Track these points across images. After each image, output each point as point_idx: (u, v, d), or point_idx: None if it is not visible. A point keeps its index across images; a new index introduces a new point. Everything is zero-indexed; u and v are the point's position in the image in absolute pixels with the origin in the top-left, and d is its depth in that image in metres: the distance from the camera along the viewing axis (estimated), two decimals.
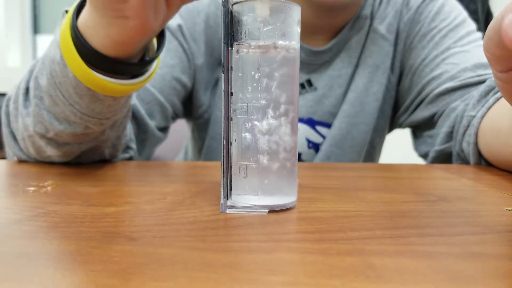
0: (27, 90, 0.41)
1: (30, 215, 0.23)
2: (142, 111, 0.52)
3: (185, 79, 0.57)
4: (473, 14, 1.96)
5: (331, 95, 0.60)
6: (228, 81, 0.23)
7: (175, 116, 0.61)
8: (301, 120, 0.60)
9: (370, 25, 0.61)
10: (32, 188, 0.31)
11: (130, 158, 0.50)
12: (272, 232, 0.20)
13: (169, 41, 0.56)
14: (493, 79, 0.48)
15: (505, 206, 0.26)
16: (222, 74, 0.23)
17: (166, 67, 0.55)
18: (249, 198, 0.24)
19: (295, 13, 0.24)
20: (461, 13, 0.60)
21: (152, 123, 0.54)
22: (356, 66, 0.60)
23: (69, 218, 0.23)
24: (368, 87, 0.60)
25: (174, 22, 0.57)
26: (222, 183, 0.24)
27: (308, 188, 0.31)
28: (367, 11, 0.60)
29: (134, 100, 0.52)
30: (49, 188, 0.31)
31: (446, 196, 0.29)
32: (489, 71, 0.52)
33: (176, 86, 0.57)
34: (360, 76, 0.60)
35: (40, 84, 0.39)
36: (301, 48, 0.58)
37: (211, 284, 0.14)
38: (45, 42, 2.49)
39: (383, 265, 0.16)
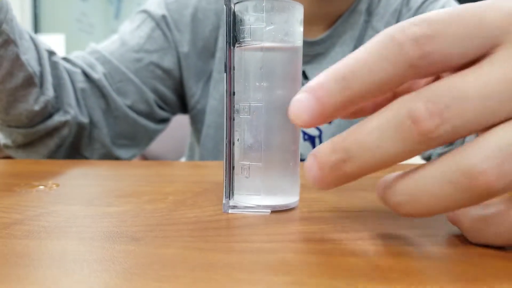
0: None
1: (32, 215, 0.23)
2: (108, 87, 0.55)
3: (168, 66, 0.60)
4: None
5: None
6: (230, 81, 0.23)
7: (166, 106, 0.62)
8: None
9: (368, 21, 0.60)
10: (34, 188, 0.31)
11: (66, 122, 0.51)
12: (274, 233, 0.20)
13: (152, 30, 0.60)
14: None
15: None
16: (225, 74, 0.23)
17: (143, 51, 0.58)
18: (251, 198, 0.24)
19: (298, 12, 0.24)
20: None
21: (122, 101, 0.56)
22: None
23: (70, 218, 0.23)
24: None
25: (159, 12, 0.60)
26: (224, 183, 0.24)
27: (311, 188, 0.31)
28: (362, 6, 0.60)
29: (100, 75, 0.55)
30: (50, 188, 0.31)
31: None
32: None
33: (156, 71, 0.59)
34: None
35: None
36: None
37: (213, 284, 0.14)
38: (45, 41, 2.49)
39: (387, 266, 0.16)
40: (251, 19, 0.23)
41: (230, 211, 0.24)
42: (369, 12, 0.61)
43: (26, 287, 0.14)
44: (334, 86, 0.17)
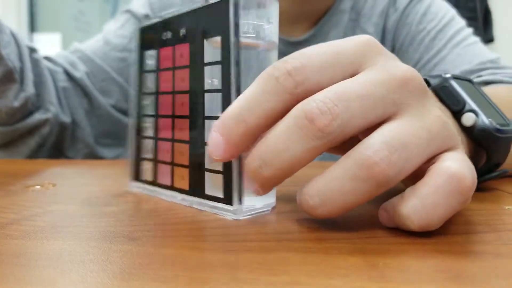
0: None
1: (28, 214, 0.23)
2: (91, 86, 0.55)
3: None
4: (472, 12, 1.96)
5: None
6: (237, 77, 0.23)
7: None
8: None
9: (356, 20, 0.60)
10: (30, 188, 0.30)
11: (47, 120, 0.50)
12: (272, 232, 0.20)
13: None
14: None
15: (505, 204, 0.26)
16: (232, 69, 0.23)
17: (127, 51, 0.59)
18: (254, 199, 0.23)
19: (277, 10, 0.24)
20: (448, 11, 0.60)
21: (105, 100, 0.57)
22: None
23: (67, 217, 0.23)
24: None
25: (142, 11, 0.61)
26: (238, 187, 0.22)
27: None
28: (346, 5, 0.60)
29: (82, 74, 0.55)
30: (47, 187, 0.31)
31: None
32: (476, 74, 0.52)
33: None
34: None
35: None
36: (279, 39, 0.59)
37: (212, 284, 0.14)
38: (42, 40, 2.48)
39: (385, 265, 0.16)
40: (252, 16, 0.23)
41: (242, 217, 0.22)
42: (356, 12, 0.60)
43: (23, 287, 0.14)
44: (232, 122, 0.19)
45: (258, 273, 0.15)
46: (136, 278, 0.15)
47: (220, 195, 0.23)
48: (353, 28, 0.60)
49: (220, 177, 0.23)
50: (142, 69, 0.29)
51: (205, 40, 0.24)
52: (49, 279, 0.15)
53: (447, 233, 0.20)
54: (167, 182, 0.26)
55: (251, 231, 0.21)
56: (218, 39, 0.23)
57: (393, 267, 0.16)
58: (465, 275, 0.15)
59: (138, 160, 0.29)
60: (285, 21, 0.60)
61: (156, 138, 0.28)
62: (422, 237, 0.19)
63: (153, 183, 0.28)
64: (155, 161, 0.28)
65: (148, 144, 0.28)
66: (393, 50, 0.60)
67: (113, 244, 0.18)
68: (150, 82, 0.28)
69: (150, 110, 0.28)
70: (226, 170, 0.23)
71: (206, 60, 0.24)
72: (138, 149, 0.29)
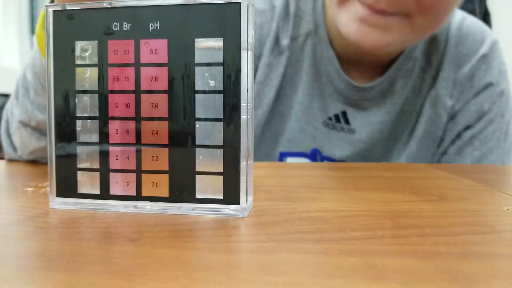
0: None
1: (29, 215, 0.23)
2: None
3: None
4: (471, 13, 1.96)
5: (368, 141, 0.58)
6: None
7: None
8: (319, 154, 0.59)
9: (422, 68, 0.58)
10: (31, 189, 0.30)
11: None
12: (272, 232, 0.20)
13: None
14: None
15: (505, 205, 0.26)
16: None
17: None
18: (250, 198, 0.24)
19: None
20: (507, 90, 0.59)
21: None
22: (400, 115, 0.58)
23: (68, 218, 0.23)
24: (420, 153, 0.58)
25: None
26: (244, 186, 0.23)
27: (308, 188, 0.31)
28: (417, 52, 0.58)
29: None
30: (48, 188, 0.31)
31: (446, 195, 0.29)
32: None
33: None
34: (414, 140, 0.58)
35: (26, 76, 0.41)
36: (342, 79, 0.57)
37: (212, 284, 0.14)
38: None
39: (384, 265, 0.16)
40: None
41: (247, 214, 0.23)
42: (428, 60, 0.58)
43: None
44: None
45: (258, 274, 0.15)
46: (137, 278, 0.15)
47: (219, 196, 0.23)
48: (429, 86, 0.58)
49: (217, 178, 0.23)
50: (72, 63, 0.24)
51: (195, 40, 0.23)
52: (50, 280, 0.15)
53: (446, 234, 0.20)
54: (129, 192, 0.24)
55: (251, 232, 0.21)
56: (210, 40, 0.23)
57: (392, 268, 0.16)
58: (464, 275, 0.15)
59: (68, 172, 0.25)
60: (350, 62, 0.57)
61: (104, 144, 0.24)
62: (421, 237, 0.20)
63: (100, 196, 0.24)
64: (103, 170, 0.24)
65: (88, 151, 0.24)
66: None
67: (113, 245, 0.18)
68: (88, 78, 0.24)
69: (89, 112, 0.24)
70: (229, 172, 0.23)
71: (198, 60, 0.23)
72: (69, 158, 0.25)
